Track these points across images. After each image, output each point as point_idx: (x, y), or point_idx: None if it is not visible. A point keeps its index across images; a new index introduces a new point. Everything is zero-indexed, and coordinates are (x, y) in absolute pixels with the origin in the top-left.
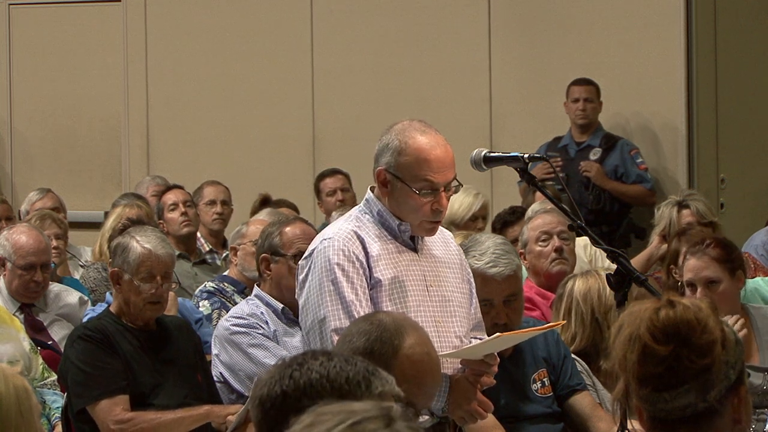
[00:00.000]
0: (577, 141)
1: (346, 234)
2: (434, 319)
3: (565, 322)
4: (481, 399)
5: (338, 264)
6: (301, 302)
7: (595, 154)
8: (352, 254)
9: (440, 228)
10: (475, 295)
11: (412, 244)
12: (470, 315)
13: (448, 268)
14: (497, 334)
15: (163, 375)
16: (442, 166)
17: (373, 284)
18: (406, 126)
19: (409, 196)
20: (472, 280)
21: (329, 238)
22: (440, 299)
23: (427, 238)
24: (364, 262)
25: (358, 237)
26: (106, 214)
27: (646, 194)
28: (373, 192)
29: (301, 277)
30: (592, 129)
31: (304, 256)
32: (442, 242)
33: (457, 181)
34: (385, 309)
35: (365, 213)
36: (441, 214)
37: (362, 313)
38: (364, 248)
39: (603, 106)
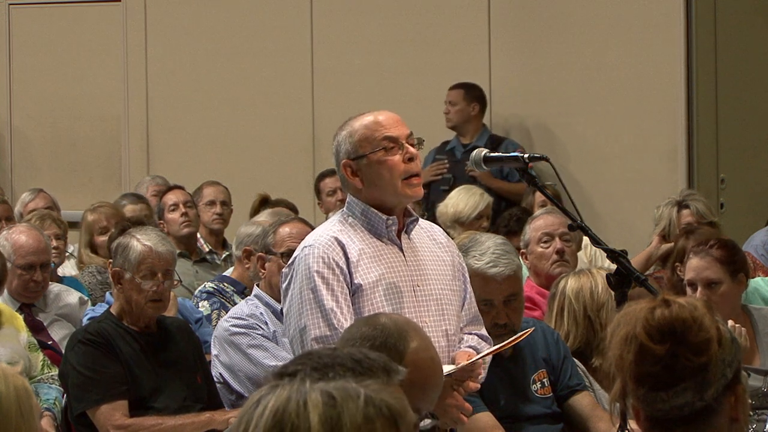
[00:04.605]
0: (463, 143)
1: (326, 241)
2: (421, 319)
3: (533, 329)
4: (462, 404)
5: (318, 272)
6: (284, 310)
7: None
8: (332, 261)
9: (429, 223)
10: (470, 290)
11: (399, 242)
12: (461, 312)
13: (436, 265)
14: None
15: (163, 377)
16: (394, 122)
17: (354, 289)
18: (346, 121)
19: (380, 165)
20: (467, 274)
21: (309, 246)
22: (427, 298)
23: (413, 236)
24: (345, 269)
25: (339, 243)
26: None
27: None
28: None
29: (284, 286)
30: (473, 131)
31: (287, 263)
32: (430, 239)
33: (417, 138)
34: (367, 313)
35: (348, 216)
36: (415, 163)
37: (343, 321)
38: (345, 254)
39: (603, 106)
